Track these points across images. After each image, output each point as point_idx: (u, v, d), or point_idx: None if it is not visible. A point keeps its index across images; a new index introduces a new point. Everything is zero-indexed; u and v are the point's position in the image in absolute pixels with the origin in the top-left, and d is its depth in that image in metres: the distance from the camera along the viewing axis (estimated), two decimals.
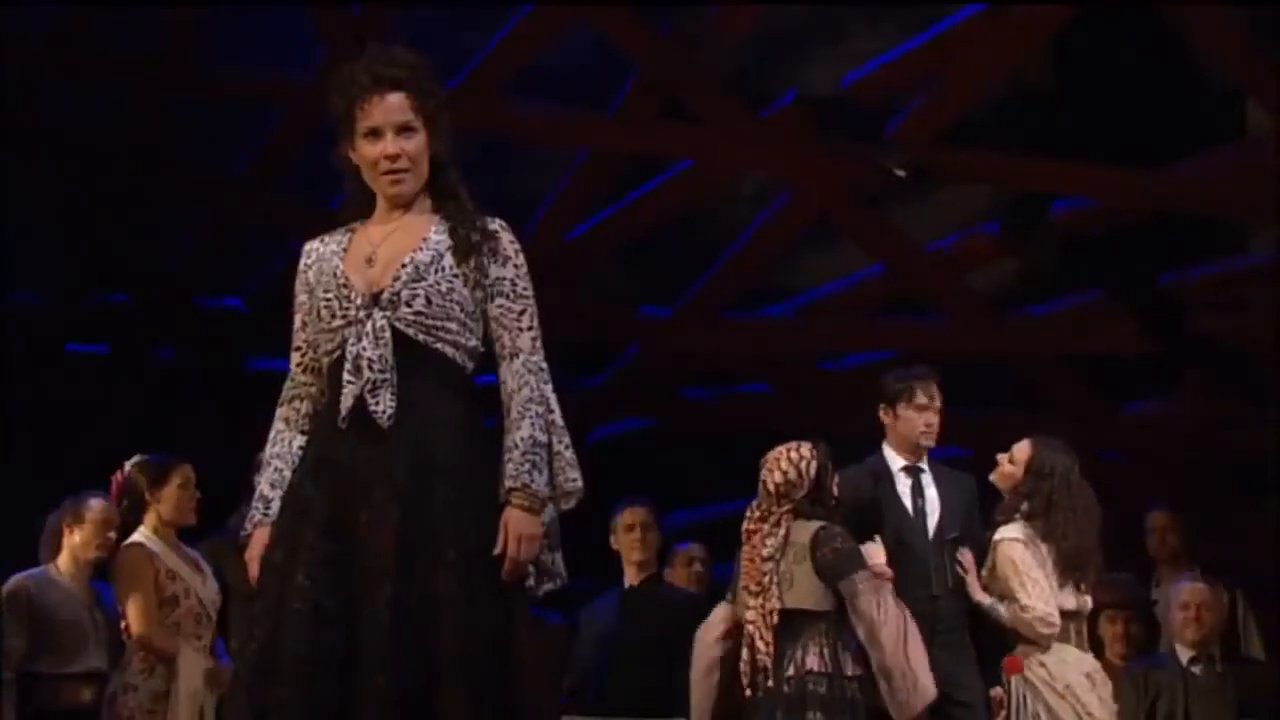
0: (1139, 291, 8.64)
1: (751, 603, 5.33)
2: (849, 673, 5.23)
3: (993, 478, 5.79)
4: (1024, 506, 5.66)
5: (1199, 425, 9.15)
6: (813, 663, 5.20)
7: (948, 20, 7.68)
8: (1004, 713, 5.56)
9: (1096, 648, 6.12)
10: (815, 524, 5.32)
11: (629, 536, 6.64)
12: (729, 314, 9.14)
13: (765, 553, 5.32)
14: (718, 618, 5.51)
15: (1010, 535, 5.62)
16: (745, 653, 5.31)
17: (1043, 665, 5.53)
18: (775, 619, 5.25)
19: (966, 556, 5.63)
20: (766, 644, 5.26)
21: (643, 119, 8.01)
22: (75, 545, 5.91)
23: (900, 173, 8.03)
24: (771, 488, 5.39)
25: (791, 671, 5.21)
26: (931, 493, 5.71)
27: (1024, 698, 5.52)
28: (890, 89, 8.00)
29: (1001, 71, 7.96)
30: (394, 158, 3.61)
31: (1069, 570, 5.62)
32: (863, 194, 8.58)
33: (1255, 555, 8.29)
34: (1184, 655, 6.49)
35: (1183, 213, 8.48)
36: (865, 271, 9.00)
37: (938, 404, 5.77)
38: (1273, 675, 6.71)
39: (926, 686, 5.17)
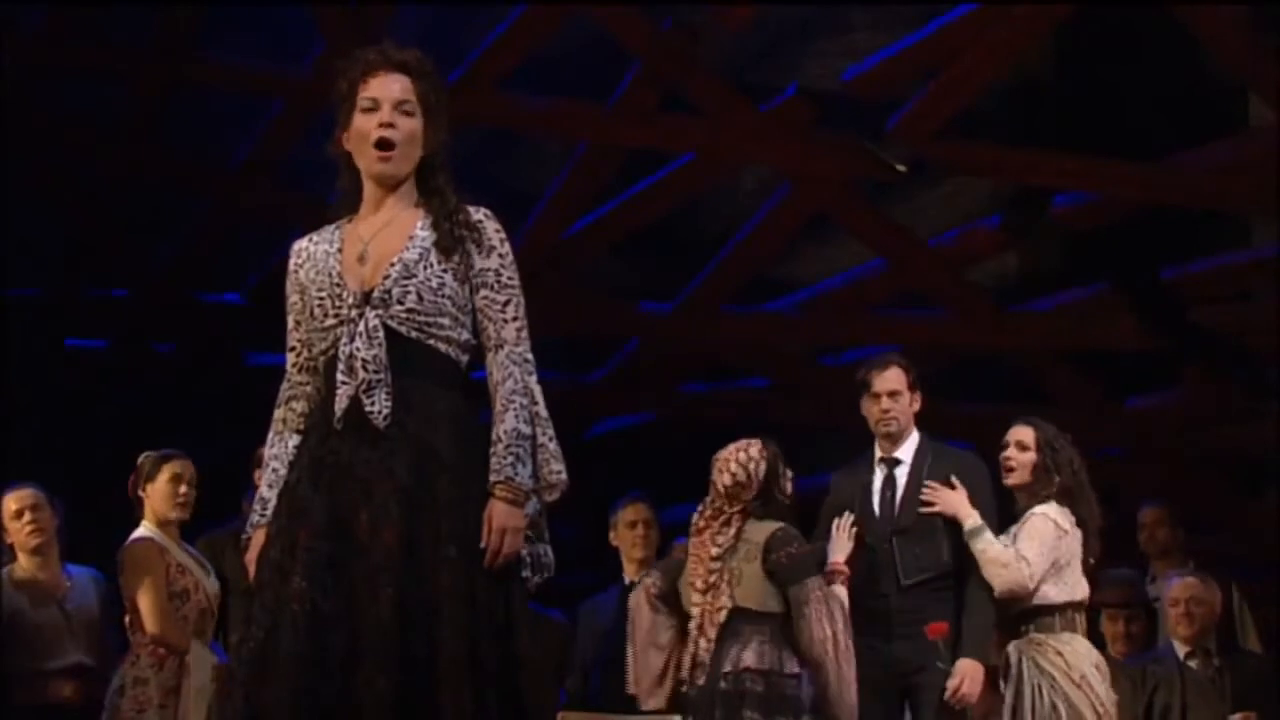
0: (1141, 285, 8.62)
1: (696, 599, 5.35)
2: (789, 671, 5.23)
3: (1014, 480, 5.65)
4: (1056, 481, 5.56)
5: (1201, 419, 9.13)
6: (750, 659, 5.21)
7: (949, 14, 7.66)
8: (1008, 693, 5.47)
9: (1098, 645, 6.07)
10: (772, 525, 5.33)
11: (631, 533, 6.63)
12: (729, 308, 9.12)
13: (713, 552, 5.34)
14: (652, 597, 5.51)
15: (1047, 511, 5.53)
16: (689, 647, 5.34)
17: (1060, 655, 5.47)
18: (723, 617, 5.28)
19: (944, 487, 5.46)
20: (709, 641, 5.29)
21: (643, 112, 8.00)
22: (15, 543, 5.91)
23: (901, 167, 8.01)
24: (721, 488, 5.40)
25: (729, 668, 5.22)
26: (904, 484, 5.52)
27: (1039, 687, 5.43)
28: (891, 83, 7.98)
29: (1003, 66, 7.94)
30: (387, 126, 3.58)
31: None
32: (864, 188, 8.57)
33: (1256, 549, 8.28)
34: (1180, 650, 6.48)
35: (1185, 206, 8.46)
36: (866, 266, 8.98)
37: (896, 389, 5.54)
38: (1271, 668, 6.68)
39: (852, 708, 5.20)
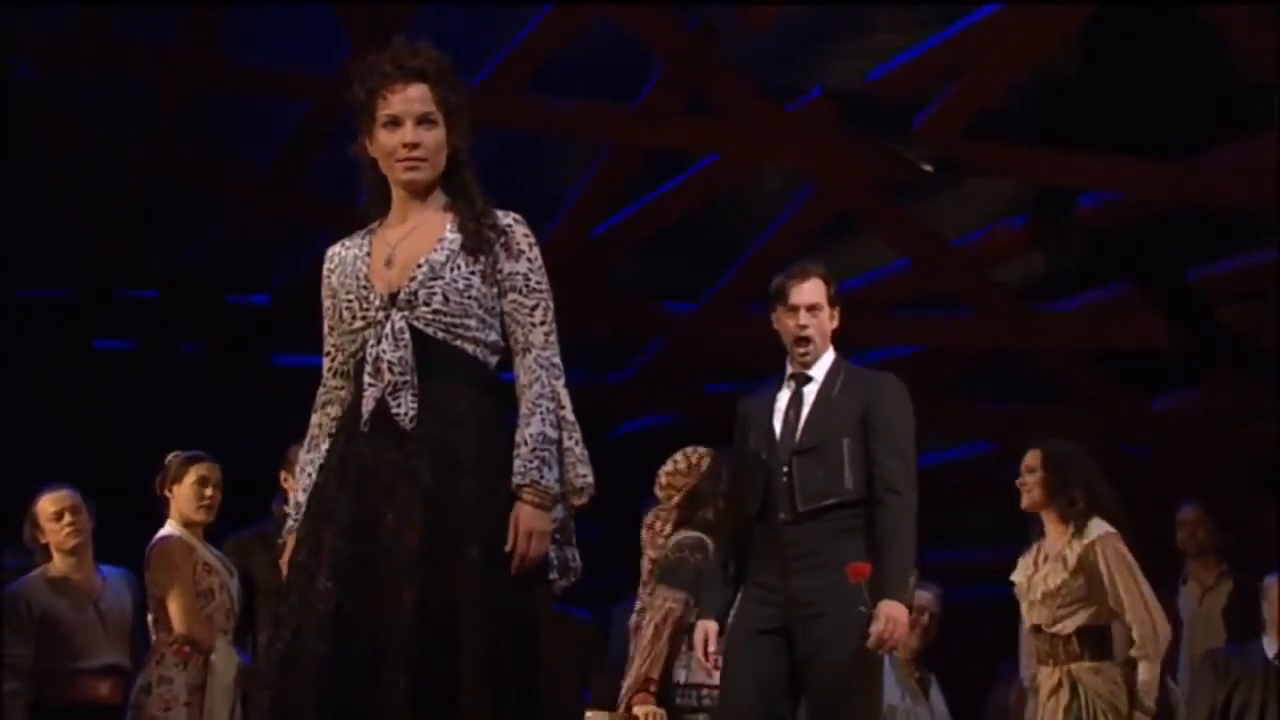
0: (1166, 285, 8.61)
1: (643, 593, 5.63)
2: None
3: (1027, 502, 5.60)
4: (1075, 497, 5.49)
5: (1226, 418, 9.11)
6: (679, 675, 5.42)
7: (973, 14, 7.66)
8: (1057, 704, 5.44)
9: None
10: (686, 534, 5.53)
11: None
12: (754, 309, 9.11)
13: (651, 554, 5.64)
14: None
15: (1109, 530, 5.43)
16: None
17: (1114, 684, 5.43)
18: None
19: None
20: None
21: (668, 113, 8.01)
22: (52, 544, 5.94)
23: (927, 167, 8.01)
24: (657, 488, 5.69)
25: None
26: (811, 402, 4.96)
27: (1095, 708, 5.38)
28: (916, 83, 7.98)
29: (1028, 65, 7.93)
30: (412, 146, 3.60)
31: None
32: (888, 189, 8.57)
33: None
34: (1270, 648, 6.44)
35: (1210, 205, 8.44)
36: (891, 266, 8.99)
37: (815, 302, 5.03)
38: None
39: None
